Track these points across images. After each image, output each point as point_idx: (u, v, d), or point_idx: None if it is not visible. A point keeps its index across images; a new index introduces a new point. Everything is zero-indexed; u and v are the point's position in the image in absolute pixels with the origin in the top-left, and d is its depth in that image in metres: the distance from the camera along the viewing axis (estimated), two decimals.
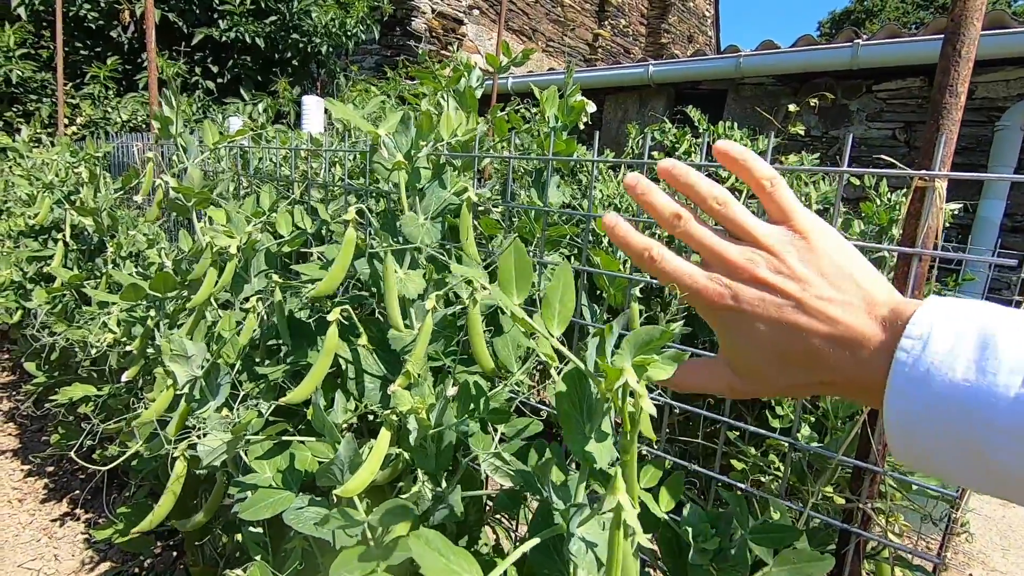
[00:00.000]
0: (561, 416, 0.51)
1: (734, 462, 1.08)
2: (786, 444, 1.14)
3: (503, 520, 0.91)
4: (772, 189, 0.37)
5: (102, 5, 4.02)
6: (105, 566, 1.79)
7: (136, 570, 1.78)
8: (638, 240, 0.39)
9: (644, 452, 0.70)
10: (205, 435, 0.69)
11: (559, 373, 0.55)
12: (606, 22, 8.54)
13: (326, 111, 2.91)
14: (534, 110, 1.16)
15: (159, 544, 1.84)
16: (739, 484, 0.63)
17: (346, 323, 0.73)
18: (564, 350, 0.48)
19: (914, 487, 0.61)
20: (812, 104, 3.73)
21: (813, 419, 1.45)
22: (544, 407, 0.81)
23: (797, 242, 0.35)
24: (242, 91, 4.35)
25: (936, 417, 0.28)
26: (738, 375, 0.38)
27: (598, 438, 0.51)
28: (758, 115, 4.14)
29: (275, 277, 0.85)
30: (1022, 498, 0.29)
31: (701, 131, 2.71)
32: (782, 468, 1.23)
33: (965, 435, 0.28)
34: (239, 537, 1.15)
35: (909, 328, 0.30)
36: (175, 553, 1.85)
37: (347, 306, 0.69)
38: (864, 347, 0.32)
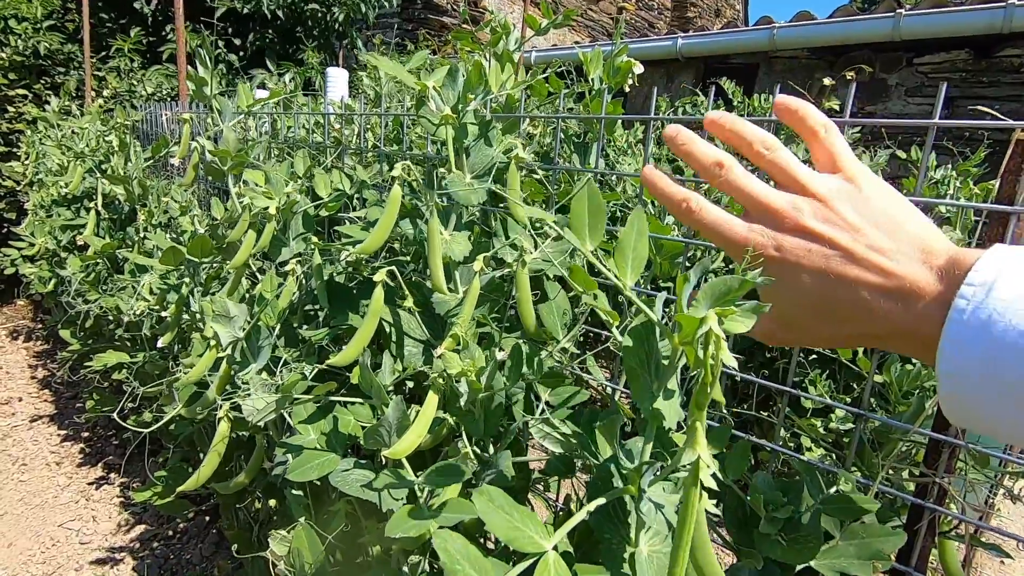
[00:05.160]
0: (628, 373, 0.48)
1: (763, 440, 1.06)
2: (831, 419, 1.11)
3: (541, 491, 0.90)
4: (825, 135, 0.35)
5: None
6: (140, 528, 1.84)
7: (170, 533, 1.82)
8: (676, 191, 0.37)
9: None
10: (248, 396, 0.69)
11: (620, 330, 0.52)
12: None
13: (350, 81, 2.87)
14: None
15: (192, 508, 1.89)
16: (798, 455, 0.60)
17: (389, 285, 0.71)
18: (636, 300, 0.45)
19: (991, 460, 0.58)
20: (848, 78, 3.58)
21: (849, 399, 1.41)
22: (587, 376, 0.79)
23: (848, 188, 0.33)
24: (267, 62, 4.33)
25: (995, 367, 0.26)
26: (777, 324, 0.36)
27: (666, 396, 0.48)
28: (791, 89, 4.00)
29: (314, 239, 0.83)
30: None
31: (735, 103, 2.62)
32: (816, 445, 1.19)
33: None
34: (272, 502, 1.16)
35: (971, 276, 0.28)
36: (207, 518, 1.89)
37: (393, 268, 0.67)
38: (919, 298, 0.30)
